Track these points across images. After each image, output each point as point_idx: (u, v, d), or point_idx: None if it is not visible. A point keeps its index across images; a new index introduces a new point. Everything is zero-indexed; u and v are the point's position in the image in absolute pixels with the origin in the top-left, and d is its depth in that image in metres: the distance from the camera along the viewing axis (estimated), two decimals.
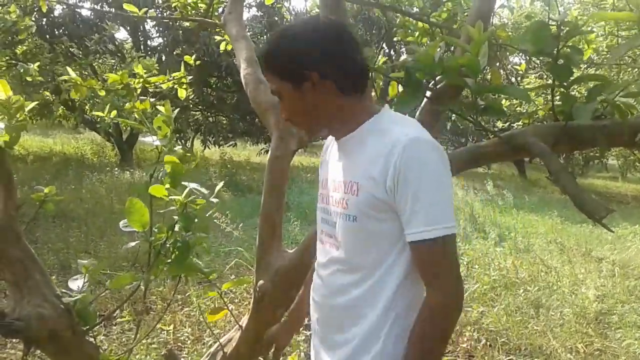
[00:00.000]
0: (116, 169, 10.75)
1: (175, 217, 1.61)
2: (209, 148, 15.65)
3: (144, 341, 3.16)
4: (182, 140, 15.27)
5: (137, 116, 1.74)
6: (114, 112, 2.38)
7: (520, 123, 8.74)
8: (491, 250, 5.99)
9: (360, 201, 1.17)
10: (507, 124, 10.61)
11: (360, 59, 1.21)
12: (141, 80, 2.97)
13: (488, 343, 3.74)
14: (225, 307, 2.05)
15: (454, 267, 1.15)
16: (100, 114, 2.41)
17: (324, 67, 1.17)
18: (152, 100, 2.67)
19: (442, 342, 1.17)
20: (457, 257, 1.17)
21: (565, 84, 1.53)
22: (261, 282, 1.91)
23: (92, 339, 1.89)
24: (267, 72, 1.24)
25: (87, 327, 1.83)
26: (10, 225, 1.77)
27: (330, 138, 1.41)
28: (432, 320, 1.13)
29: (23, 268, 1.75)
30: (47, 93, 8.21)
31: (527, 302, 4.49)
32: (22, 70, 3.45)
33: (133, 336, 3.34)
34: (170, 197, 1.54)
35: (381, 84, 2.61)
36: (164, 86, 3.21)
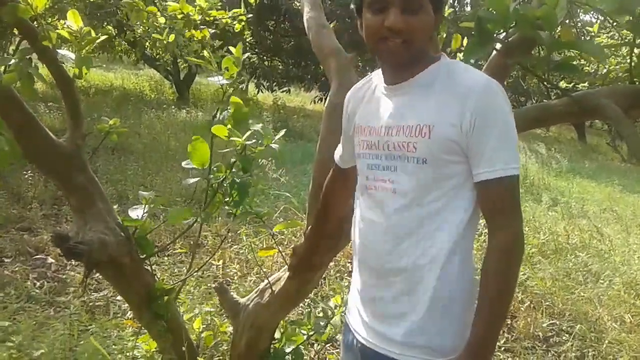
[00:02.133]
0: (173, 106, 10.95)
1: (234, 159, 1.64)
2: (262, 92, 15.68)
3: (195, 274, 3.28)
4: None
5: (205, 55, 1.76)
6: (172, 37, 2.39)
7: (586, 84, 8.37)
8: (543, 214, 5.88)
9: (432, 144, 1.19)
10: (572, 84, 10.18)
11: None
12: (200, 11, 2.97)
13: (532, 305, 3.72)
14: (276, 247, 2.10)
15: (520, 207, 1.21)
16: (159, 36, 2.43)
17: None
18: (211, 31, 2.67)
19: (515, 279, 1.21)
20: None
21: None
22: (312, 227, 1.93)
23: (148, 268, 1.98)
24: None
25: (145, 255, 1.92)
26: (77, 153, 1.84)
27: (362, 83, 1.45)
28: (508, 257, 1.18)
29: (88, 196, 1.84)
30: (110, 27, 8.32)
31: (575, 269, 4.41)
32: None
33: (185, 268, 3.48)
34: (231, 138, 1.57)
35: (444, 35, 2.53)
36: (223, 21, 3.19)
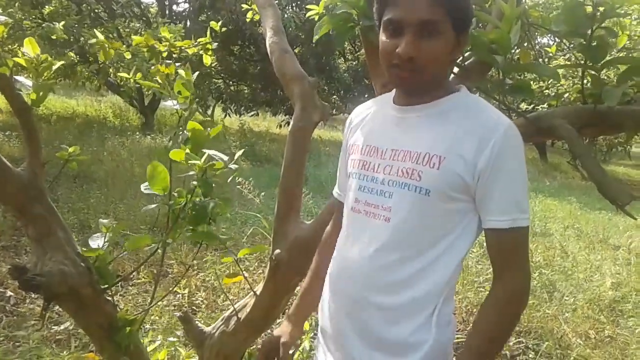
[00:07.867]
0: (137, 133, 10.82)
1: (195, 183, 1.63)
2: (229, 117, 15.64)
3: (159, 303, 3.22)
4: (203, 108, 15.24)
5: (159, 79, 1.74)
6: (139, 75, 2.38)
7: (545, 105, 8.61)
8: None
9: (440, 176, 1.12)
10: (532, 106, 10.46)
11: None
12: (167, 44, 2.94)
13: None
14: (241, 274, 2.07)
15: (528, 256, 1.16)
16: (125, 75, 2.42)
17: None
18: (177, 64, 2.65)
19: (511, 330, 1.18)
20: None
21: (596, 66, 1.50)
22: (277, 251, 1.92)
23: (110, 298, 1.93)
24: (439, 5, 1.09)
25: (106, 285, 1.87)
26: (34, 182, 1.79)
27: (364, 106, 1.38)
28: (509, 308, 1.13)
29: (46, 225, 1.78)
30: (72, 54, 8.23)
31: (540, 286, 4.48)
32: (45, 29, 3.43)
33: (149, 298, 3.40)
34: (190, 162, 1.55)
35: None
36: (190, 51, 3.16)
